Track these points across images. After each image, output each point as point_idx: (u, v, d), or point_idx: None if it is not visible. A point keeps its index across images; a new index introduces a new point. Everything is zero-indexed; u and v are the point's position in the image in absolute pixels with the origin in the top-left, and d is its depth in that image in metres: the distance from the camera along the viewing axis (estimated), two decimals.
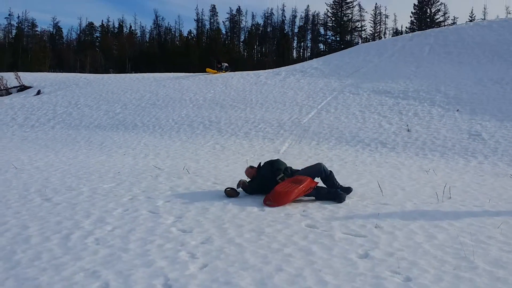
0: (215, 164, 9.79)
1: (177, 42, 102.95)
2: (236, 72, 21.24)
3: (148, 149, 12.16)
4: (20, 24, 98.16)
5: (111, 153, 11.50)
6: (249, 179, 6.72)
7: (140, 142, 13.25)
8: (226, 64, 19.01)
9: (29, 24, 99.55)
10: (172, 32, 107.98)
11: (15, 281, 3.61)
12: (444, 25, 73.78)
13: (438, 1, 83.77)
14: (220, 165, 9.66)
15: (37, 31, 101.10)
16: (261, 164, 6.78)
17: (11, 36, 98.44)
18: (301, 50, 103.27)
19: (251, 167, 6.88)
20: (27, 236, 4.69)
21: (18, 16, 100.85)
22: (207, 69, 17.72)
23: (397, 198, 6.44)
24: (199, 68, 66.82)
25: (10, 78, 23.88)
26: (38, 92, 21.33)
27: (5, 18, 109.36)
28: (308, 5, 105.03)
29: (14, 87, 22.97)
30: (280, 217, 5.33)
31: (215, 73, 17.58)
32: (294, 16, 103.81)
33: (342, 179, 7.40)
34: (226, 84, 20.73)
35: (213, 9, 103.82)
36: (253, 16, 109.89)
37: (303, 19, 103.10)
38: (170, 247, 4.25)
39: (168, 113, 16.71)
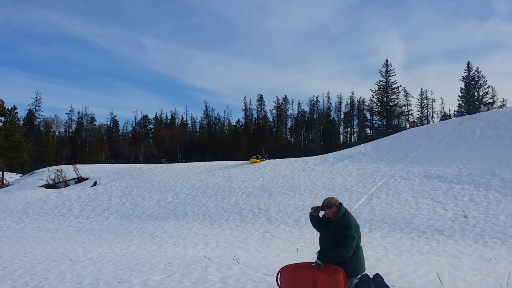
0: (265, 254, 9.64)
1: (226, 131, 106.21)
2: (280, 159, 22.31)
3: (198, 238, 12.18)
4: (80, 119, 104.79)
5: (162, 243, 11.59)
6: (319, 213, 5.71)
7: (190, 231, 13.32)
8: (267, 155, 20.74)
9: (88, 119, 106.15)
10: (221, 122, 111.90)
11: None
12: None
13: (485, 84, 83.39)
14: (270, 255, 9.50)
15: (95, 125, 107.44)
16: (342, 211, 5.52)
17: (71, 130, 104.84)
18: (348, 135, 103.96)
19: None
20: None
21: (79, 112, 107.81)
22: (251, 160, 19.19)
23: None
24: (248, 155, 68.19)
25: (68, 171, 25.13)
26: (95, 184, 22.23)
27: (66, 114, 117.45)
28: (353, 92, 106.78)
29: (72, 179, 24.07)
30: None
31: (258, 162, 18.93)
32: (340, 103, 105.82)
33: (399, 270, 7.08)
34: (274, 172, 20.92)
35: (261, 99, 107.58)
36: (299, 104, 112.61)
37: (349, 105, 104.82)
38: None
39: (218, 201, 16.88)
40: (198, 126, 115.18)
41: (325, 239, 5.33)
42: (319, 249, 5.38)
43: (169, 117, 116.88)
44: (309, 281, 4.96)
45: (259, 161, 18.67)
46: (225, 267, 7.87)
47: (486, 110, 27.32)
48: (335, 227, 5.28)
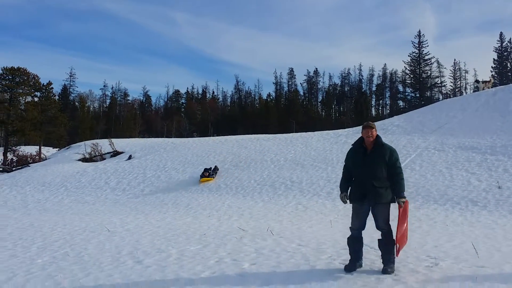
0: (299, 225, 9.69)
1: (257, 105, 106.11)
2: (312, 132, 20.44)
3: (232, 210, 12.34)
4: (113, 94, 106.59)
5: (197, 215, 11.80)
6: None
7: (223, 203, 13.50)
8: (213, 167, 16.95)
9: (122, 94, 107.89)
10: (252, 96, 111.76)
11: None
12: None
13: None
14: (304, 226, 9.55)
15: (128, 100, 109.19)
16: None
17: (105, 106, 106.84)
18: (380, 108, 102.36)
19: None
20: None
21: (112, 87, 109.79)
22: (201, 180, 15.90)
23: (494, 260, 5.98)
24: (279, 129, 68.25)
25: (104, 145, 25.69)
26: (130, 157, 22.67)
27: (100, 89, 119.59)
28: (385, 64, 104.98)
29: (107, 153, 24.61)
30: (370, 281, 5.11)
31: (210, 180, 15.71)
32: (372, 75, 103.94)
33: (433, 240, 7.02)
34: (306, 145, 20.86)
35: (291, 72, 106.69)
36: (330, 77, 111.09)
37: (381, 77, 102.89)
38: None
39: (250, 174, 16.99)
40: (229, 100, 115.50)
41: (369, 168, 5.45)
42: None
43: (200, 91, 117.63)
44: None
45: (211, 179, 15.71)
46: (259, 238, 7.96)
47: (483, 89, 26.33)
48: (379, 152, 5.53)
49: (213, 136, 50.32)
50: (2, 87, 48.19)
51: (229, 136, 28.38)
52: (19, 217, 12.54)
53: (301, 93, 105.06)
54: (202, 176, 15.78)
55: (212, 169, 17.12)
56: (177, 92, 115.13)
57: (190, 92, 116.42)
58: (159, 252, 7.10)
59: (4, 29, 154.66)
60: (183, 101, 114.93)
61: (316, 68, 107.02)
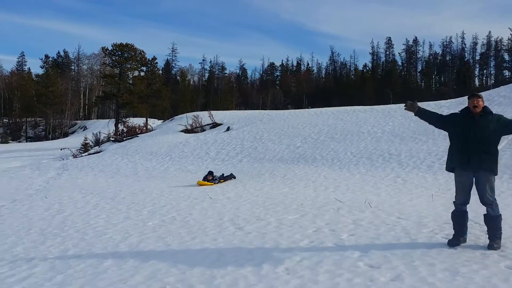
0: (398, 198, 9.48)
1: (352, 76, 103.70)
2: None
3: (328, 181, 12.34)
4: (211, 68, 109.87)
5: (293, 185, 11.98)
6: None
7: (319, 174, 13.53)
8: (219, 175, 13.34)
9: (219, 68, 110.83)
10: (347, 67, 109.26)
11: None
12: None
13: None
14: (403, 199, 9.32)
15: (225, 73, 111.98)
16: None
17: (204, 79, 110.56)
18: (484, 78, 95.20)
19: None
20: (224, 263, 5.15)
21: (210, 61, 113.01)
22: (199, 182, 12.71)
23: None
24: (375, 100, 66.14)
25: (204, 117, 26.70)
26: (228, 129, 23.42)
27: (199, 63, 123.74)
28: (489, 31, 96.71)
29: (207, 125, 25.61)
30: (475, 256, 4.92)
31: (209, 185, 12.49)
32: (475, 43, 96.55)
33: None
34: (405, 116, 20.08)
35: (389, 41, 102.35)
36: (430, 46, 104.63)
37: (485, 45, 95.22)
38: (359, 281, 4.25)
39: (346, 146, 16.80)
40: (323, 72, 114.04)
41: (476, 131, 5.24)
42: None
43: (294, 64, 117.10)
44: None
45: (211, 184, 12.63)
46: (356, 209, 7.94)
47: None
48: (488, 118, 5.28)
49: (308, 108, 50.09)
50: (112, 63, 51.76)
51: (324, 108, 28.08)
52: (131, 183, 13.58)
53: (399, 63, 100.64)
54: (205, 179, 12.96)
55: (221, 175, 13.58)
56: (272, 65, 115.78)
57: (284, 64, 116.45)
58: (258, 220, 7.37)
59: (113, 6, 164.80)
60: (277, 73, 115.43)
61: (416, 37, 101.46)
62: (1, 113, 78.40)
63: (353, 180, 12.46)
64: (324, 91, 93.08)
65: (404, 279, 4.29)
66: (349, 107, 26.65)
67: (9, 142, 62.07)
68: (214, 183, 12.75)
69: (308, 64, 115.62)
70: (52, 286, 4.74)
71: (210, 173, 13.41)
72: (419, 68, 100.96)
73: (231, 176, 13.78)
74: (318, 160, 15.69)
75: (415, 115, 5.78)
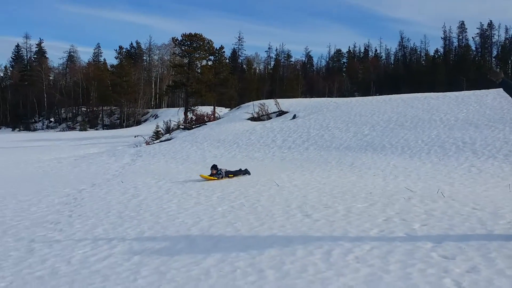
0: (472, 188, 9.08)
1: (423, 62, 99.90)
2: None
3: (398, 170, 12.03)
4: (277, 56, 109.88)
5: (361, 174, 11.79)
6: None
7: (389, 163, 13.22)
8: (226, 169, 11.81)
9: (285, 55, 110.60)
10: (417, 52, 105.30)
11: None
12: None
13: None
14: (478, 189, 8.92)
15: (291, 61, 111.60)
16: None
17: (269, 67, 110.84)
18: None
19: None
20: (293, 249, 5.19)
21: (276, 49, 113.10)
22: (201, 175, 11.63)
23: None
24: (447, 87, 63.28)
25: (270, 105, 26.81)
26: (294, 117, 23.38)
27: (265, 51, 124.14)
28: None
29: (273, 112, 25.70)
30: None
31: (211, 179, 11.33)
32: None
33: None
34: (480, 103, 19.15)
35: (462, 26, 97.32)
36: (506, 29, 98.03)
37: None
38: (432, 272, 4.14)
39: (417, 134, 16.27)
40: (392, 58, 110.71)
41: None
42: None
43: (362, 50, 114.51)
44: None
45: (213, 179, 11.42)
46: (428, 199, 7.69)
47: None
48: None
49: (375, 95, 48.86)
50: (182, 52, 53.05)
51: (393, 95, 27.27)
52: (200, 169, 13.92)
53: (473, 48, 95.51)
54: (211, 173, 11.67)
55: (227, 171, 11.94)
56: (338, 52, 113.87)
57: (351, 51, 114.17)
58: (326, 208, 7.34)
59: None
60: (344, 60, 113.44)
61: (491, 21, 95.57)
62: (80, 102, 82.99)
63: (424, 169, 12.07)
64: (392, 78, 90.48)
65: (480, 271, 4.12)
66: (419, 93, 25.74)
67: (87, 130, 65.81)
68: (218, 178, 11.41)
69: (376, 50, 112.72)
70: (130, 265, 5.00)
71: (214, 166, 11.77)
72: (494, 53, 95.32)
73: (245, 172, 12.15)
74: (387, 148, 15.33)
75: (499, 85, 5.37)
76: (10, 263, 5.39)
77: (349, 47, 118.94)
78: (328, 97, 58.86)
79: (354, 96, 65.03)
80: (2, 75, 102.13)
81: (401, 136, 16.50)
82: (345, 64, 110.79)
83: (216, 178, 11.40)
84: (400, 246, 5.01)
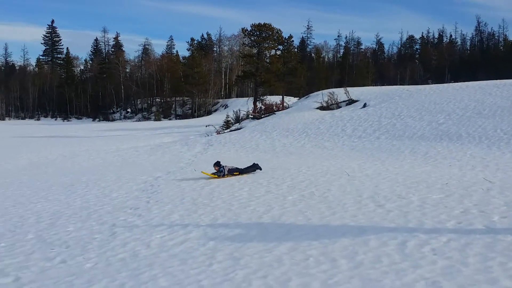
0: None
1: (501, 48, 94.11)
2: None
3: (475, 160, 11.53)
4: (347, 44, 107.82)
5: (436, 164, 11.41)
6: None
7: (465, 153, 12.68)
8: (230, 167, 10.77)
9: (355, 43, 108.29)
10: (496, 38, 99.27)
11: (360, 280, 4.05)
12: None
13: None
14: None
15: (361, 48, 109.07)
16: None
17: (339, 55, 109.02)
18: None
19: None
20: (366, 239, 5.17)
21: (346, 37, 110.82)
22: (203, 172, 10.89)
23: None
24: None
25: (339, 93, 26.42)
26: (364, 105, 22.91)
27: (334, 39, 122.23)
28: None
29: (343, 101, 25.29)
30: None
31: (213, 177, 10.59)
32: None
33: None
34: None
35: None
36: None
37: None
38: None
39: (496, 123, 15.45)
40: (468, 44, 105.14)
41: None
42: None
43: (436, 36, 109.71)
44: None
45: (214, 176, 10.62)
46: (509, 191, 7.32)
47: None
48: None
49: (450, 82, 46.65)
50: (251, 43, 53.44)
51: (470, 82, 25.92)
52: (269, 158, 14.11)
53: None
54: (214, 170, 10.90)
55: (231, 169, 10.92)
56: (411, 38, 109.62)
57: (425, 37, 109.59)
58: (400, 198, 7.21)
59: None
60: (417, 46, 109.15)
61: None
62: (154, 93, 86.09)
63: (503, 159, 11.49)
64: (468, 64, 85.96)
65: None
66: (498, 80, 24.31)
67: (161, 120, 68.27)
68: (219, 176, 10.58)
69: (451, 35, 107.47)
70: (206, 250, 5.21)
71: (217, 163, 10.99)
72: None
73: (255, 168, 11.18)
74: (463, 138, 14.70)
75: None
76: (94, 245, 5.79)
77: (422, 33, 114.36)
78: (400, 84, 57.02)
79: (428, 83, 62.54)
80: (82, 68, 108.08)
81: (478, 124, 15.73)
82: (418, 50, 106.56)
83: (216, 176, 10.64)
84: (480, 238, 4.85)
